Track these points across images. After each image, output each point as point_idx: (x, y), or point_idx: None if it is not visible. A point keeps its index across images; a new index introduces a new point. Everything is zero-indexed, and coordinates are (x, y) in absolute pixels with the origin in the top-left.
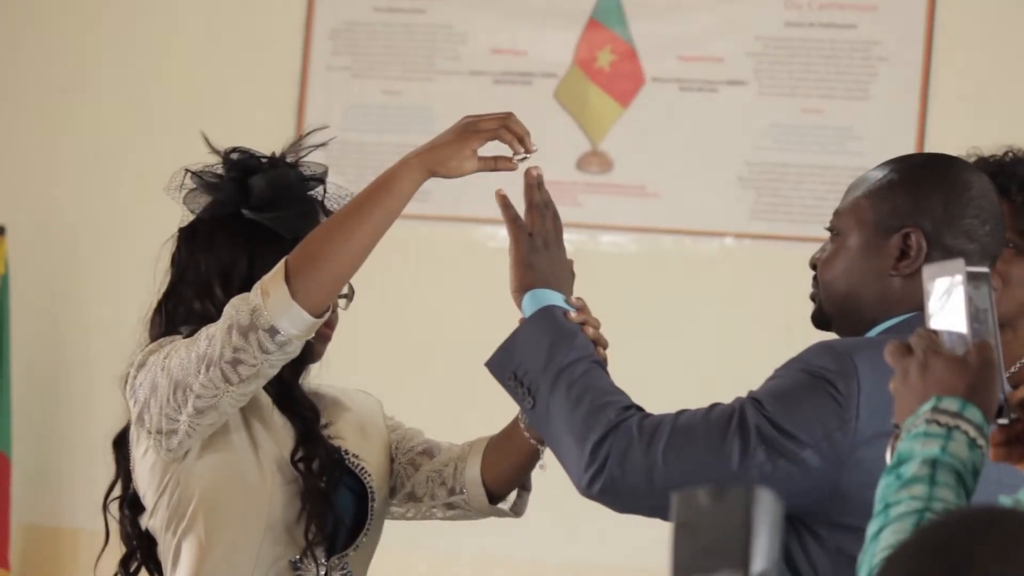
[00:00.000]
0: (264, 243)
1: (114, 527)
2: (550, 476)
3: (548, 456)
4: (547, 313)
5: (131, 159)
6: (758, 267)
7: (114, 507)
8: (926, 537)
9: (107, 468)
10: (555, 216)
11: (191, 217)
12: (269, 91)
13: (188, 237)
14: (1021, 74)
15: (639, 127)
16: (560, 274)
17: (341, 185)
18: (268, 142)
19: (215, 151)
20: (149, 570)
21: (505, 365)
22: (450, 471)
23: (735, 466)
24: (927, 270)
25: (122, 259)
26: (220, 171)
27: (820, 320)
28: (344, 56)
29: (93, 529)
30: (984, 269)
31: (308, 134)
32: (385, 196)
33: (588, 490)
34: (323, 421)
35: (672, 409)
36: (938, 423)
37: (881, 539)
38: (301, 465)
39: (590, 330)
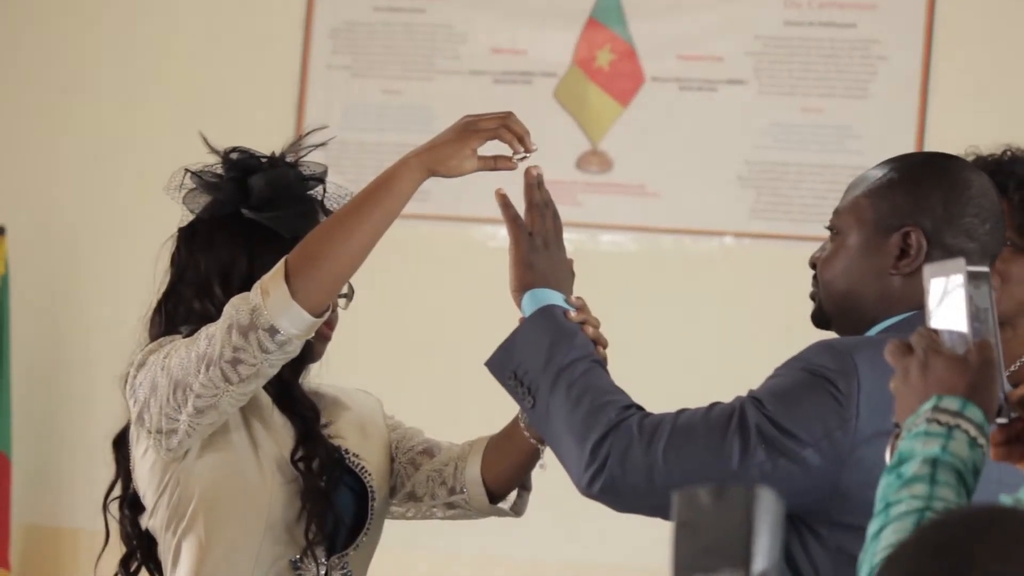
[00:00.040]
0: (264, 243)
1: (114, 527)
2: (550, 476)
3: (548, 455)
4: (547, 312)
5: (131, 159)
6: (758, 266)
7: (114, 507)
8: (926, 536)
9: (107, 468)
10: (555, 215)
11: (191, 217)
12: (269, 91)
13: (188, 237)
14: (1021, 73)
15: (639, 126)
16: (560, 273)
17: (341, 185)
18: (268, 142)
19: (214, 151)
20: (149, 570)
21: (505, 364)
22: (450, 471)
23: (735, 465)
24: (927, 269)
25: (122, 259)
26: (220, 171)
27: (820, 319)
28: (344, 55)
29: (93, 529)
30: (984, 269)
31: (308, 134)
32: (385, 195)
33: (588, 489)
34: (323, 420)
35: (672, 408)
36: (939, 422)
37: (882, 538)
38: (301, 464)
39: (590, 329)
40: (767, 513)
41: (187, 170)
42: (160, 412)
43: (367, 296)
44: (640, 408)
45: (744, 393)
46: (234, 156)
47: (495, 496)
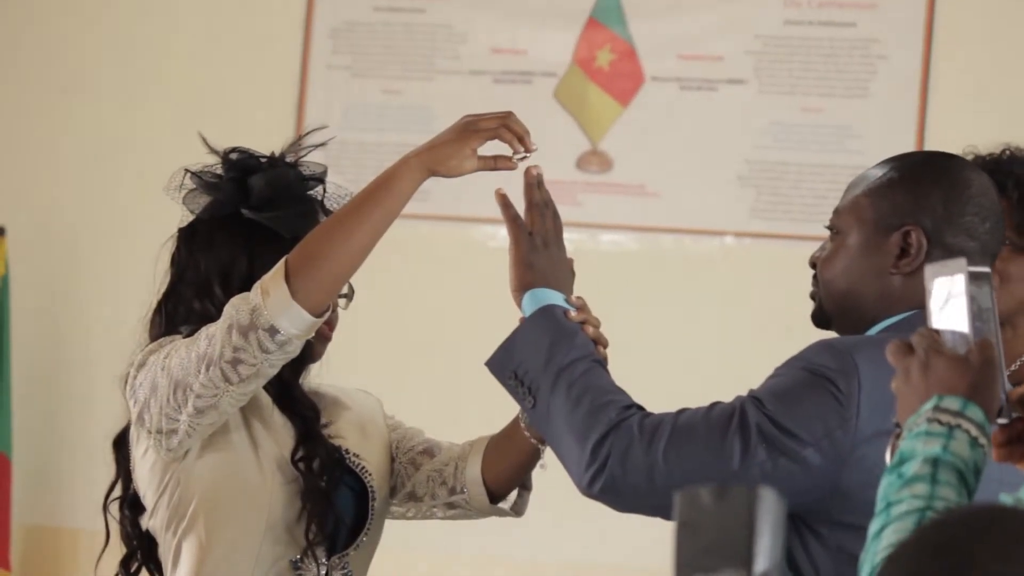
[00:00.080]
0: (264, 243)
1: (114, 527)
2: (550, 475)
3: (549, 455)
4: (547, 312)
5: (131, 159)
6: (758, 266)
7: (114, 507)
8: (927, 536)
9: (107, 468)
10: (555, 215)
11: (191, 217)
12: (269, 91)
13: (188, 237)
14: (1021, 73)
15: (639, 126)
16: (560, 273)
17: (341, 185)
18: (268, 142)
19: (214, 151)
20: (150, 570)
21: (505, 364)
22: (451, 470)
23: (736, 465)
24: (929, 269)
25: (122, 259)
26: (219, 171)
27: (820, 319)
28: (344, 55)
29: (93, 529)
30: (986, 269)
31: (307, 134)
32: (385, 195)
33: (589, 489)
34: (323, 420)
35: (673, 408)
36: (939, 422)
37: (883, 538)
38: (301, 465)
39: (590, 329)
40: (769, 513)
41: (187, 170)
42: (160, 412)
43: (367, 296)
44: (640, 408)
45: (744, 393)
46: (234, 156)
47: (495, 496)
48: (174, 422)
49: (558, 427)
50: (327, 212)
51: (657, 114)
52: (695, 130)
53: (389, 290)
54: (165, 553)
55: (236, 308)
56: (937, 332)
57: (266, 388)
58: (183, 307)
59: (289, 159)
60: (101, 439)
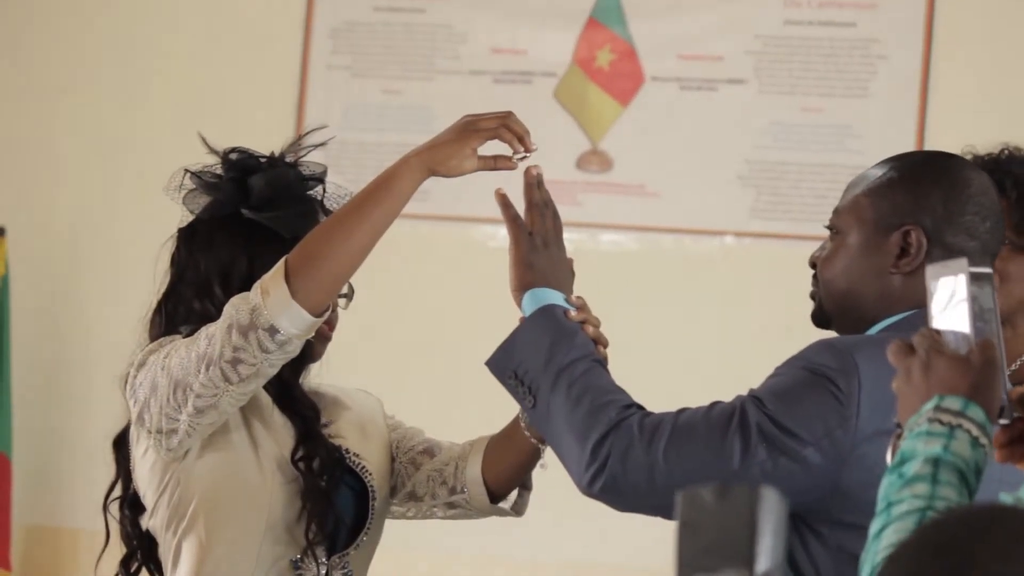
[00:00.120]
0: (264, 243)
1: (114, 527)
2: (551, 475)
3: (549, 455)
4: (547, 312)
5: (131, 159)
6: (758, 266)
7: (114, 507)
8: (927, 536)
9: (107, 468)
10: (555, 215)
11: (191, 217)
12: (269, 91)
13: (188, 237)
14: (1021, 73)
15: (639, 126)
16: (560, 273)
17: (340, 185)
18: (268, 142)
19: (214, 151)
20: (150, 570)
21: (505, 364)
22: (451, 470)
23: (736, 464)
24: (930, 270)
25: (122, 259)
26: (219, 171)
27: (820, 318)
28: (344, 55)
29: (94, 529)
30: (988, 270)
31: (307, 134)
32: (385, 195)
33: (589, 489)
34: (323, 420)
35: (673, 408)
36: (940, 422)
37: (883, 538)
38: (301, 464)
39: (590, 329)
40: (770, 513)
41: (187, 170)
42: (160, 412)
43: (367, 296)
44: (641, 407)
45: (745, 392)
46: (234, 156)
47: (496, 496)
48: (174, 422)
49: (558, 427)
50: (327, 212)
51: (657, 114)
52: (695, 130)
53: (389, 290)
54: (165, 553)
55: (236, 308)
56: (938, 332)
57: (266, 388)
58: (183, 307)
59: (289, 159)
60: (101, 439)
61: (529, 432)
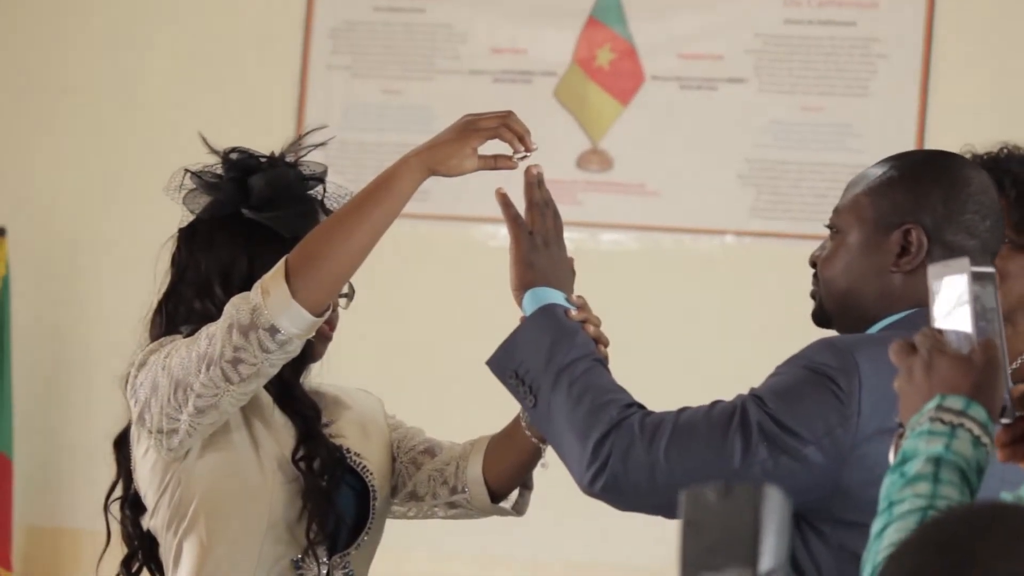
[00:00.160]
0: (264, 243)
1: (115, 528)
2: (552, 475)
3: (550, 455)
4: (548, 311)
5: (131, 159)
6: (758, 265)
7: (115, 507)
8: (928, 534)
9: (108, 468)
10: (555, 214)
11: (191, 217)
12: (269, 91)
13: (188, 237)
14: (1021, 71)
15: (639, 125)
16: (561, 272)
17: (341, 184)
18: (268, 142)
19: (214, 151)
20: (151, 570)
21: (506, 364)
22: (452, 470)
23: (737, 463)
24: (932, 269)
25: (122, 260)
26: (219, 171)
27: (821, 318)
28: (344, 55)
29: (94, 530)
30: (990, 269)
31: (307, 133)
32: (385, 195)
33: (590, 488)
34: (324, 420)
35: (673, 407)
36: (942, 421)
37: (885, 537)
38: (302, 464)
39: (591, 328)
40: (774, 511)
41: (187, 170)
42: (161, 412)
43: (367, 296)
44: (641, 407)
45: (745, 391)
46: (234, 156)
47: (497, 495)
48: (175, 422)
49: (559, 426)
50: (327, 212)
51: (657, 113)
52: (695, 129)
53: (389, 290)
54: (166, 553)
55: (236, 308)
56: (940, 332)
57: (267, 388)
58: (183, 307)
59: (289, 159)
60: (102, 439)
61: (530, 432)
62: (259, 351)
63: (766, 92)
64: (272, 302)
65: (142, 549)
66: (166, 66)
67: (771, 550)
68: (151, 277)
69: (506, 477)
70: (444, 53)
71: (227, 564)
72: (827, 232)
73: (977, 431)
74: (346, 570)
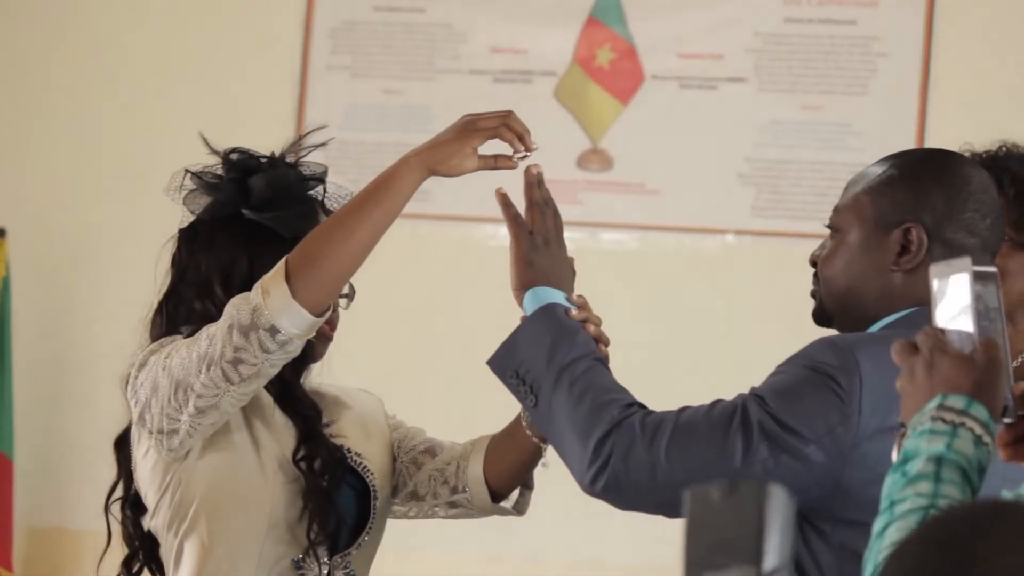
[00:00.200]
0: (264, 243)
1: (116, 528)
2: (552, 474)
3: (550, 454)
4: (548, 311)
5: (131, 159)
6: (759, 264)
7: (116, 508)
8: (930, 532)
9: (109, 469)
10: (555, 214)
11: (191, 218)
12: (269, 91)
13: (188, 238)
14: (1021, 70)
15: (639, 125)
16: (561, 272)
17: (341, 185)
18: (268, 142)
19: (214, 151)
20: (151, 571)
21: (507, 363)
22: (452, 470)
23: (738, 462)
24: (933, 269)
25: (123, 260)
26: (220, 171)
27: (821, 317)
28: (344, 55)
29: (95, 530)
30: (992, 268)
31: (308, 134)
32: (385, 195)
33: (591, 487)
34: (325, 420)
35: (674, 406)
36: (943, 420)
37: (886, 536)
38: (303, 464)
39: (591, 327)
40: (778, 510)
41: (187, 171)
42: (161, 412)
43: (367, 296)
44: (642, 406)
45: (746, 390)
46: (234, 157)
47: (497, 495)
48: (175, 422)
49: (560, 425)
50: (327, 212)
51: (657, 112)
52: (695, 128)
53: (389, 290)
54: (167, 553)
55: (237, 308)
56: (942, 331)
57: (267, 388)
58: (184, 307)
59: (289, 159)
60: (102, 440)
61: (531, 431)
62: (259, 351)
63: (766, 91)
64: (272, 302)
65: (143, 549)
66: (166, 66)
67: (775, 549)
68: (151, 277)
69: (507, 477)
70: (444, 53)
71: (228, 564)
72: (827, 231)
73: (979, 430)
74: (347, 570)
